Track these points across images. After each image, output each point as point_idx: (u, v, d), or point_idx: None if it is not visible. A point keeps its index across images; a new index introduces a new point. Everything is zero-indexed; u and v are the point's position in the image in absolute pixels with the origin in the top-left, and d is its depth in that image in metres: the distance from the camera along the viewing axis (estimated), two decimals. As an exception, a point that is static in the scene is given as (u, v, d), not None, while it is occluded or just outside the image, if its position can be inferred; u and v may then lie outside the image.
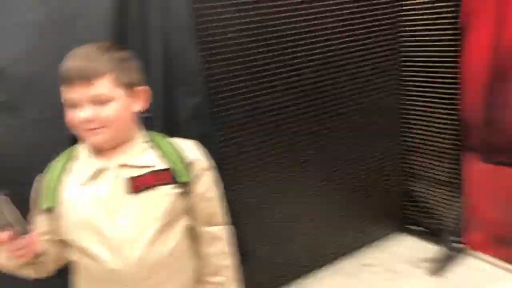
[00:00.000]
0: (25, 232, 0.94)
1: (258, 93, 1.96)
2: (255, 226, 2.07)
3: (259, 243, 2.11)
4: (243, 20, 1.85)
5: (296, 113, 2.10)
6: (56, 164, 1.15)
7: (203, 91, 1.73)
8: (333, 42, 2.11)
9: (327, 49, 2.10)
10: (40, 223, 1.13)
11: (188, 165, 1.15)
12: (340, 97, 2.22)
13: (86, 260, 1.09)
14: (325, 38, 2.07)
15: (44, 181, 1.13)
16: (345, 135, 2.30)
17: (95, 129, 1.04)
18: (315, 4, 2.00)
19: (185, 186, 1.14)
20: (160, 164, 1.12)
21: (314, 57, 2.07)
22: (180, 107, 1.71)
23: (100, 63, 1.03)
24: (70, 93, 1.03)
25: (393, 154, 2.52)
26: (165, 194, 1.10)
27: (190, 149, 1.19)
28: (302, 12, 1.98)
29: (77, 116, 1.03)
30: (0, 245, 0.95)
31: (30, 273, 1.09)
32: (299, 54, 2.03)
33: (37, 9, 1.45)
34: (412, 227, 2.67)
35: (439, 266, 2.33)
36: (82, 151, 1.14)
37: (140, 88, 1.13)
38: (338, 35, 2.11)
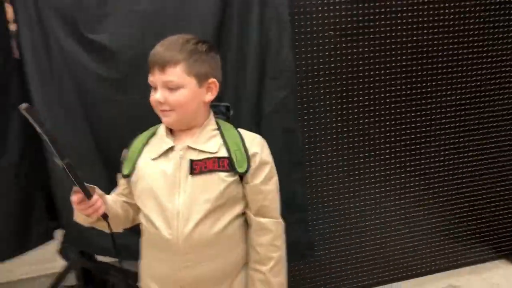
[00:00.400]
0: (88, 196, 1.11)
1: (347, 93, 1.94)
2: (328, 223, 2.09)
3: (330, 243, 2.11)
4: (342, 19, 1.83)
5: (388, 118, 2.04)
6: (141, 138, 1.31)
7: (291, 86, 1.77)
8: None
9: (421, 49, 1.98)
10: (120, 186, 1.34)
11: (248, 157, 1.22)
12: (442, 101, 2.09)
13: (147, 225, 1.24)
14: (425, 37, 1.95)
15: (129, 151, 1.30)
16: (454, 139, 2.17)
17: (165, 111, 1.18)
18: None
19: (241, 176, 1.22)
20: (222, 152, 1.21)
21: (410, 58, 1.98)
22: (267, 100, 1.78)
23: (176, 53, 1.16)
24: (151, 77, 1.19)
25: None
26: (221, 180, 1.19)
27: (253, 142, 1.26)
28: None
29: (153, 97, 1.19)
30: (72, 205, 1.13)
31: (104, 226, 1.26)
32: (395, 58, 1.96)
33: (145, 0, 1.63)
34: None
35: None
36: (161, 130, 1.29)
37: (211, 80, 1.22)
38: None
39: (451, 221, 2.32)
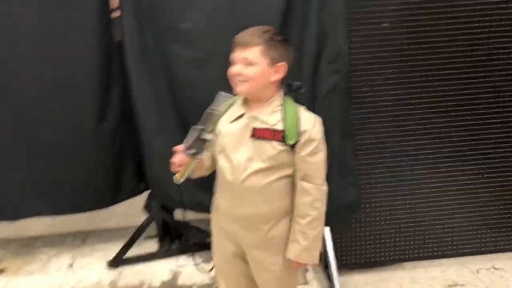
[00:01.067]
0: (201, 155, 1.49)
1: (394, 75, 2.16)
2: (377, 189, 2.32)
3: (377, 209, 2.35)
4: (397, 13, 2.03)
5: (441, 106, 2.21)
6: (225, 104, 1.62)
7: (345, 69, 2.02)
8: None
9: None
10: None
11: (299, 133, 1.48)
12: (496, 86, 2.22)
13: (220, 171, 1.59)
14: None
15: (215, 114, 1.57)
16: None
17: (239, 81, 1.48)
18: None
19: (291, 147, 1.48)
20: (279, 125, 1.49)
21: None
22: (324, 82, 2.05)
23: (256, 38, 1.45)
24: (233, 54, 1.50)
25: None
26: (273, 147, 1.48)
27: (307, 121, 1.50)
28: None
29: (231, 70, 1.49)
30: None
31: (200, 175, 1.64)
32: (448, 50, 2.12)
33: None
34: None
35: None
36: (238, 100, 1.60)
37: (280, 63, 1.50)
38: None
39: (501, 205, 2.42)
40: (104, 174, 2.50)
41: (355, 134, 2.19)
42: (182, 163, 1.48)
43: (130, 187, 2.62)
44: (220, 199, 1.61)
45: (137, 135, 2.41)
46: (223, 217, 1.61)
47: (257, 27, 1.49)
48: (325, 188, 1.53)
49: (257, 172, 1.48)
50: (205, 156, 1.58)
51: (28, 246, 3.04)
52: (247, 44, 1.44)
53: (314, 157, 1.48)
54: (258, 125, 1.48)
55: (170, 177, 2.37)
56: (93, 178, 2.49)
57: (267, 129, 1.47)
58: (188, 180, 2.34)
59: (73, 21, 2.25)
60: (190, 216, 2.99)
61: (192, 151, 1.44)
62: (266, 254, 1.56)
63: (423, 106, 2.22)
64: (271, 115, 1.49)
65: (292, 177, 1.53)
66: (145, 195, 2.74)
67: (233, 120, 1.53)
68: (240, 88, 1.47)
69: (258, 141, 1.47)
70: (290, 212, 1.56)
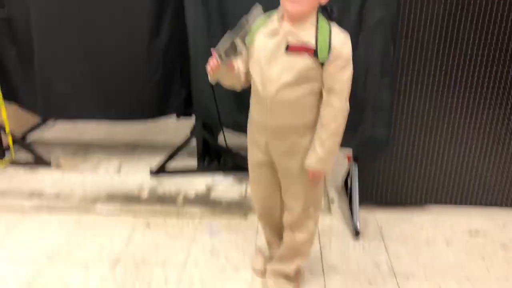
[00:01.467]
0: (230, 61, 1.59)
1: (443, 19, 2.11)
2: (408, 135, 2.35)
3: (408, 146, 2.38)
4: None
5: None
6: (261, 19, 1.67)
7: (392, 4, 2.01)
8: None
9: None
10: (243, 53, 1.72)
11: (330, 49, 1.53)
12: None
13: (253, 84, 1.68)
14: None
15: (248, 24, 1.63)
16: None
17: (295, 1, 1.50)
18: None
19: (321, 63, 1.54)
20: (312, 41, 1.54)
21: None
22: (370, 14, 2.05)
23: None
24: None
25: None
26: (304, 62, 1.54)
27: (337, 39, 1.55)
28: None
29: None
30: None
31: (232, 83, 1.73)
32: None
33: None
34: None
35: None
36: (275, 15, 1.64)
37: None
38: None
39: None
40: (154, 86, 2.67)
41: (395, 72, 2.19)
42: (213, 66, 1.56)
43: (177, 103, 2.78)
44: (253, 112, 1.71)
45: (186, 56, 2.54)
46: (255, 128, 1.72)
47: None
48: (347, 104, 1.59)
49: (287, 85, 1.56)
50: (237, 64, 1.66)
51: (84, 149, 3.35)
52: None
53: (341, 73, 1.54)
54: (293, 40, 1.54)
55: (211, 96, 2.53)
56: (144, 89, 2.68)
57: (300, 45, 1.53)
58: (227, 100, 2.47)
59: None
60: (230, 142, 3.16)
61: (222, 55, 1.53)
62: (293, 161, 1.68)
63: (467, 53, 2.17)
64: (306, 32, 1.54)
65: (320, 93, 1.61)
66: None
67: (269, 35, 1.59)
68: (296, 7, 1.50)
69: (291, 56, 1.54)
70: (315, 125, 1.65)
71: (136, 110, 2.75)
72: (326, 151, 1.60)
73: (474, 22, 2.11)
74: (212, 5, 2.36)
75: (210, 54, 2.42)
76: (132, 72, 2.64)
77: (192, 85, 2.63)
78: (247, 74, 1.71)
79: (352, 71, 1.57)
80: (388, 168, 2.43)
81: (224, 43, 1.53)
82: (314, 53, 1.52)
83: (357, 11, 2.07)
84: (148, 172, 2.93)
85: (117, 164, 3.10)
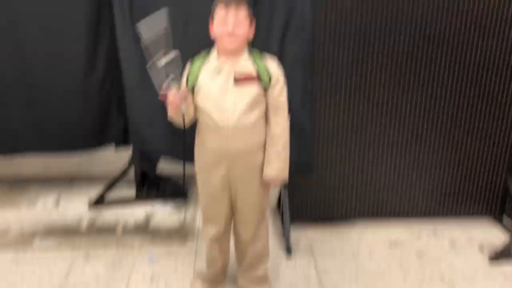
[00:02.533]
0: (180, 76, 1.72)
1: (356, 50, 2.36)
2: (329, 151, 2.56)
3: (328, 168, 2.60)
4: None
5: (390, 79, 2.43)
6: (199, 58, 1.87)
7: (309, 40, 2.24)
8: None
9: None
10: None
11: (270, 74, 1.78)
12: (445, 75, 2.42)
13: (206, 118, 1.82)
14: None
15: (192, 67, 1.85)
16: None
17: (232, 38, 1.70)
18: None
19: (266, 87, 1.78)
20: (254, 71, 1.77)
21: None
22: (289, 50, 2.27)
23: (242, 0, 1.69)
24: (221, 14, 1.69)
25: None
26: (253, 89, 1.76)
27: (273, 66, 1.81)
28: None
29: (224, 28, 1.69)
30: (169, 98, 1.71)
31: (179, 120, 1.82)
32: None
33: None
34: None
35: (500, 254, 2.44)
36: (213, 53, 1.83)
37: (252, 21, 1.76)
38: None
39: (446, 172, 2.65)
40: (91, 117, 2.74)
41: (314, 100, 2.41)
42: (173, 97, 1.69)
43: (114, 133, 2.84)
44: (208, 143, 1.86)
45: (122, 86, 2.64)
46: (211, 158, 1.87)
47: None
48: (288, 117, 1.87)
49: (244, 112, 1.76)
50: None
51: (20, 183, 3.32)
52: (239, 4, 1.66)
53: (281, 94, 1.83)
54: (238, 74, 1.76)
55: (147, 127, 2.63)
56: (81, 121, 2.73)
57: (245, 76, 1.76)
58: (163, 128, 2.58)
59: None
60: (168, 169, 3.26)
61: (172, 76, 1.65)
62: (251, 180, 1.90)
63: (377, 78, 2.43)
64: (246, 64, 1.77)
65: (264, 114, 1.85)
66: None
67: (214, 72, 1.78)
68: (233, 44, 1.71)
69: (241, 86, 1.76)
70: (265, 143, 1.88)
71: (74, 141, 2.78)
72: (283, 161, 1.86)
73: (380, 60, 2.38)
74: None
75: (144, 87, 2.57)
76: (70, 104, 2.69)
77: (128, 116, 2.71)
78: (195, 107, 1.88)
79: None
80: (315, 187, 2.63)
81: (160, 72, 1.63)
82: (258, 80, 1.76)
83: (278, 46, 2.28)
84: (87, 204, 2.96)
85: (55, 197, 3.11)
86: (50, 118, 2.73)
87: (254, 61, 1.78)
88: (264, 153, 1.88)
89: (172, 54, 1.63)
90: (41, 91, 2.67)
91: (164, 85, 1.65)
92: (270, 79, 1.77)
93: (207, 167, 1.91)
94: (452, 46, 2.37)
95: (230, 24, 1.67)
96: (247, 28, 1.72)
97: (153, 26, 1.60)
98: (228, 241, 2.11)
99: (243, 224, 2.00)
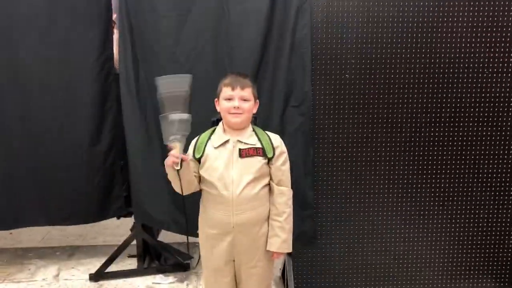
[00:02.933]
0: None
1: (353, 120, 2.42)
2: (332, 222, 2.54)
3: (332, 238, 2.57)
4: (357, 66, 2.33)
5: (392, 138, 2.46)
6: (206, 133, 1.96)
7: (308, 113, 2.31)
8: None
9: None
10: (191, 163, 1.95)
11: (273, 148, 1.87)
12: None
13: (211, 189, 1.87)
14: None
15: (198, 141, 1.93)
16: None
17: (238, 114, 1.82)
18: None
19: (269, 159, 1.86)
20: (258, 144, 1.86)
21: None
22: (289, 122, 2.35)
23: (248, 81, 1.86)
24: (230, 92, 1.82)
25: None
26: (258, 161, 1.84)
27: (276, 139, 1.91)
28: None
29: (230, 104, 1.82)
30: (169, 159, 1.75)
31: (179, 185, 1.79)
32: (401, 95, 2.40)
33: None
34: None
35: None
36: (218, 129, 1.93)
37: (257, 100, 1.90)
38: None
39: (456, 247, 2.59)
40: (93, 191, 2.77)
41: (316, 171, 2.44)
42: (174, 154, 1.70)
43: (117, 206, 2.86)
44: (214, 214, 1.88)
45: (125, 159, 2.68)
46: (217, 230, 1.89)
47: (242, 72, 1.93)
48: (291, 190, 1.94)
49: (249, 183, 1.83)
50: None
51: (19, 256, 3.27)
52: (245, 85, 1.83)
53: (285, 165, 1.91)
54: (243, 146, 1.85)
55: (150, 198, 2.65)
56: (84, 194, 2.76)
57: (250, 148, 1.84)
58: (165, 200, 2.59)
59: (75, 53, 2.59)
60: (170, 239, 3.23)
61: (180, 133, 1.68)
62: (255, 251, 1.91)
63: (378, 149, 2.47)
64: (250, 138, 1.87)
65: (268, 185, 1.90)
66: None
67: (219, 146, 1.86)
68: (238, 119, 1.83)
69: (245, 159, 1.84)
70: (269, 215, 1.92)
71: (77, 214, 2.80)
72: (287, 233, 1.90)
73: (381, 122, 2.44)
74: (149, 108, 2.56)
75: (148, 158, 2.61)
76: (73, 176, 2.73)
77: (131, 187, 2.74)
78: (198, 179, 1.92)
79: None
80: (321, 258, 2.58)
81: (170, 125, 1.66)
82: (263, 152, 1.84)
83: (279, 118, 2.36)
84: (88, 277, 2.91)
85: (55, 270, 3.05)
86: (53, 192, 2.77)
87: (257, 135, 1.89)
88: (268, 224, 1.90)
89: (186, 116, 1.67)
90: (44, 164, 2.71)
91: (171, 137, 1.68)
92: (274, 151, 1.86)
93: (211, 243, 1.92)
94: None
95: (236, 100, 1.80)
96: (251, 105, 1.85)
97: (173, 85, 1.69)
98: None
99: None
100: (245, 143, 1.85)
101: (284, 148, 1.92)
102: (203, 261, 1.99)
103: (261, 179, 1.86)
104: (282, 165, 1.89)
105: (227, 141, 1.85)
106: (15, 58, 2.59)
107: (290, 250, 1.92)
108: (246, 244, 1.89)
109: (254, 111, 1.89)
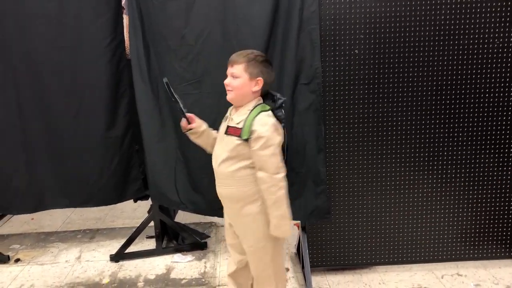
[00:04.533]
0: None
1: (363, 96, 2.45)
2: (345, 197, 2.58)
3: (345, 214, 2.61)
4: (365, 41, 2.32)
5: (402, 116, 2.48)
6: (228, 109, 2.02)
7: (319, 90, 2.31)
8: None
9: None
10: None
11: (250, 131, 1.81)
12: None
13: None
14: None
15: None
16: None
17: (228, 90, 1.88)
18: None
19: (245, 141, 1.82)
20: (240, 124, 1.85)
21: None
22: (300, 100, 2.35)
23: (240, 57, 1.85)
24: (227, 69, 1.88)
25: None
26: (233, 141, 1.85)
27: (258, 123, 1.81)
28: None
29: (225, 81, 1.88)
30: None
31: (200, 143, 2.07)
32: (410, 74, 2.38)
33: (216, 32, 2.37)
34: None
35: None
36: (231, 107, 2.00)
37: (259, 78, 1.86)
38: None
39: (468, 216, 2.64)
40: (111, 174, 2.84)
41: (328, 147, 2.47)
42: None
43: (135, 188, 2.93)
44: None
45: (141, 142, 2.73)
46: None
47: (244, 50, 1.89)
48: (278, 176, 1.79)
49: (223, 161, 1.88)
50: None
51: (42, 240, 3.38)
52: (234, 62, 1.85)
53: (264, 151, 1.78)
54: (232, 124, 1.89)
55: (166, 180, 2.70)
56: (102, 177, 2.83)
57: (233, 127, 1.88)
58: (182, 180, 2.64)
59: (87, 40, 2.63)
60: (187, 219, 3.30)
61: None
62: (241, 228, 1.97)
63: (388, 123, 2.49)
64: (238, 117, 1.88)
65: (252, 169, 1.86)
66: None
67: (224, 120, 1.98)
68: (228, 95, 1.89)
69: (227, 136, 1.89)
70: (260, 197, 1.87)
71: (95, 197, 2.87)
72: (277, 219, 1.83)
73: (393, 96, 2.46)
74: (160, 94, 2.60)
75: (162, 141, 2.66)
76: (91, 160, 2.80)
77: (147, 169, 2.79)
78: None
79: (280, 148, 1.83)
80: (335, 233, 2.63)
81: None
82: (240, 133, 1.83)
83: (290, 97, 2.37)
84: (108, 258, 3.00)
85: (77, 252, 3.15)
86: (73, 176, 2.84)
87: (248, 116, 1.83)
88: (260, 206, 1.87)
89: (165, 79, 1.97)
90: (63, 149, 2.79)
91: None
92: (249, 135, 1.80)
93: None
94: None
95: (228, 77, 1.88)
96: (242, 82, 1.83)
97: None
98: (246, 279, 2.15)
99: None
100: (232, 121, 1.89)
101: (265, 133, 1.77)
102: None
103: (238, 159, 1.85)
104: (260, 150, 1.78)
105: (227, 117, 1.97)
106: (31, 48, 2.64)
107: (285, 235, 1.87)
108: (232, 217, 2.00)
109: (255, 89, 1.85)
